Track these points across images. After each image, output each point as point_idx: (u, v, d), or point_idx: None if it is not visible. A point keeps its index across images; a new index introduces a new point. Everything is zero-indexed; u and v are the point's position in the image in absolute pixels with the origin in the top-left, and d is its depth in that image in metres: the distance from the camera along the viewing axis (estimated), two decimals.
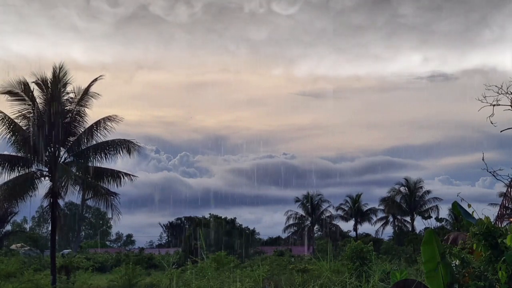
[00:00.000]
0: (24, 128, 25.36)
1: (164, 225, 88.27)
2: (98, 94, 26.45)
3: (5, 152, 25.93)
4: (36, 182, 25.71)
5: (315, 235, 69.57)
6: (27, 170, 25.57)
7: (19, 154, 25.56)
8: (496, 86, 14.31)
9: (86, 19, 79.07)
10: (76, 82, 26.32)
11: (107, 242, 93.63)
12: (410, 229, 63.55)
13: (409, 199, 63.41)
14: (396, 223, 66.33)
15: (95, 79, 26.29)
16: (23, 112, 25.38)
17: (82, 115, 26.34)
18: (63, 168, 25.06)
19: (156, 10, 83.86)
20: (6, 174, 24.96)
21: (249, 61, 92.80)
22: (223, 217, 56.10)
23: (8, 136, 24.97)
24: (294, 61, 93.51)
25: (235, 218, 56.85)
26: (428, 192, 63.68)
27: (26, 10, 79.01)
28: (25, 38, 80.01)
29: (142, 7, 77.43)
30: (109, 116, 26.25)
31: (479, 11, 77.42)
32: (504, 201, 18.65)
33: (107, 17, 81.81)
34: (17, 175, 25.25)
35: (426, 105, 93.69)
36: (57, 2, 76.51)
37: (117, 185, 26.25)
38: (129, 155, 26.39)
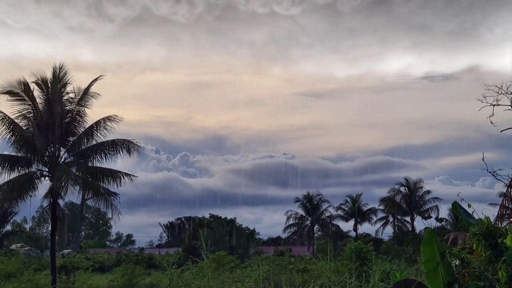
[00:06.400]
0: (24, 128, 25.35)
1: (164, 225, 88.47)
2: (98, 94, 26.50)
3: (5, 152, 25.97)
4: (36, 182, 25.71)
5: (315, 235, 69.59)
6: (27, 170, 25.57)
7: (19, 154, 25.54)
8: (496, 86, 14.26)
9: (86, 19, 79.11)
10: (76, 82, 26.37)
11: (107, 242, 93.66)
12: (410, 229, 63.51)
13: (409, 199, 63.36)
14: (396, 223, 66.33)
15: (95, 79, 26.33)
16: (23, 112, 25.37)
17: (82, 115, 26.36)
18: (63, 168, 25.05)
19: (157, 10, 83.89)
20: (6, 174, 24.99)
21: (249, 61, 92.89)
22: (223, 217, 56.09)
23: (8, 136, 24.95)
24: (294, 61, 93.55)
25: (235, 218, 56.86)
26: (428, 192, 63.65)
27: (26, 10, 79.03)
28: (24, 38, 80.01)
29: (144, 8, 77.47)
30: (109, 116, 26.26)
31: (480, 10, 77.47)
32: (504, 201, 18.69)
33: (108, 18, 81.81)
34: (17, 175, 25.25)
35: (426, 105, 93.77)
36: (58, 2, 76.54)
37: (117, 185, 26.26)
38: (129, 155, 26.41)
